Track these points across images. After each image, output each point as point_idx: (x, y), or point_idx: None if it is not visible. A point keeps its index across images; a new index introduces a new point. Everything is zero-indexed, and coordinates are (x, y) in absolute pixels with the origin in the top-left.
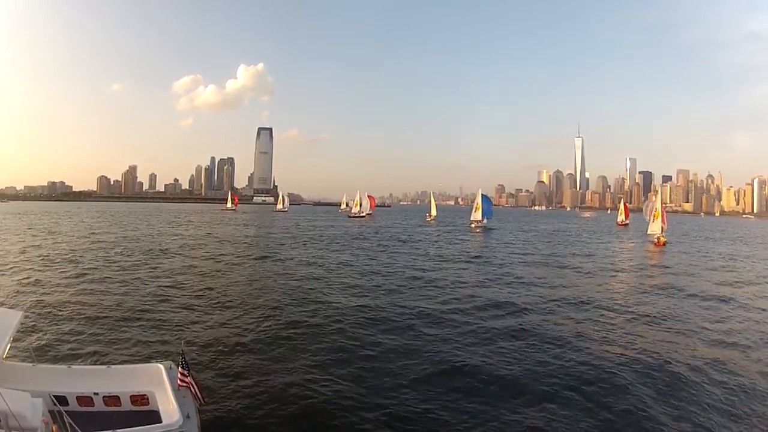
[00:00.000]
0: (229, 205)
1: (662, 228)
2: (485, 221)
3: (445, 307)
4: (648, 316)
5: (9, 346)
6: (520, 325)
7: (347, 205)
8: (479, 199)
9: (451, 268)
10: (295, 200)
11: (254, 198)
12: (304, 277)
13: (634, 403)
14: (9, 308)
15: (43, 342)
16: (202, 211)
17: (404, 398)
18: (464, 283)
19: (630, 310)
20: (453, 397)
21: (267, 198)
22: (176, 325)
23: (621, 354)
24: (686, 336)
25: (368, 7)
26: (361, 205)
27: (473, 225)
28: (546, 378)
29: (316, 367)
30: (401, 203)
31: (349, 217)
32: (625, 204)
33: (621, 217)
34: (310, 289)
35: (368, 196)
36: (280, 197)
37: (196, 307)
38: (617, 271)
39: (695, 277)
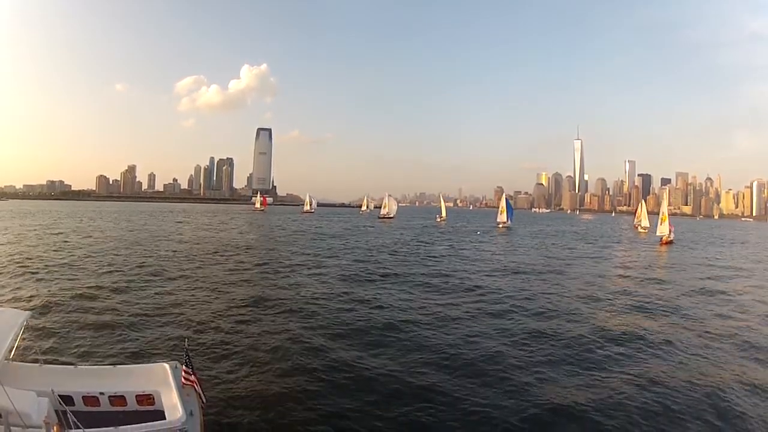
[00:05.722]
0: (258, 205)
1: (670, 229)
2: (509, 222)
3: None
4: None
5: (15, 345)
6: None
7: (368, 206)
8: (503, 203)
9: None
10: (295, 201)
11: (252, 198)
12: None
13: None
14: (15, 308)
15: (50, 342)
16: (237, 211)
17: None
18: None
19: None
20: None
21: (267, 198)
22: (185, 324)
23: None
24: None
25: (370, 7)
26: (388, 207)
27: (500, 225)
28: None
29: (328, 373)
30: (400, 204)
31: (379, 218)
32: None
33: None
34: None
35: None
36: (307, 199)
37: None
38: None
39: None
